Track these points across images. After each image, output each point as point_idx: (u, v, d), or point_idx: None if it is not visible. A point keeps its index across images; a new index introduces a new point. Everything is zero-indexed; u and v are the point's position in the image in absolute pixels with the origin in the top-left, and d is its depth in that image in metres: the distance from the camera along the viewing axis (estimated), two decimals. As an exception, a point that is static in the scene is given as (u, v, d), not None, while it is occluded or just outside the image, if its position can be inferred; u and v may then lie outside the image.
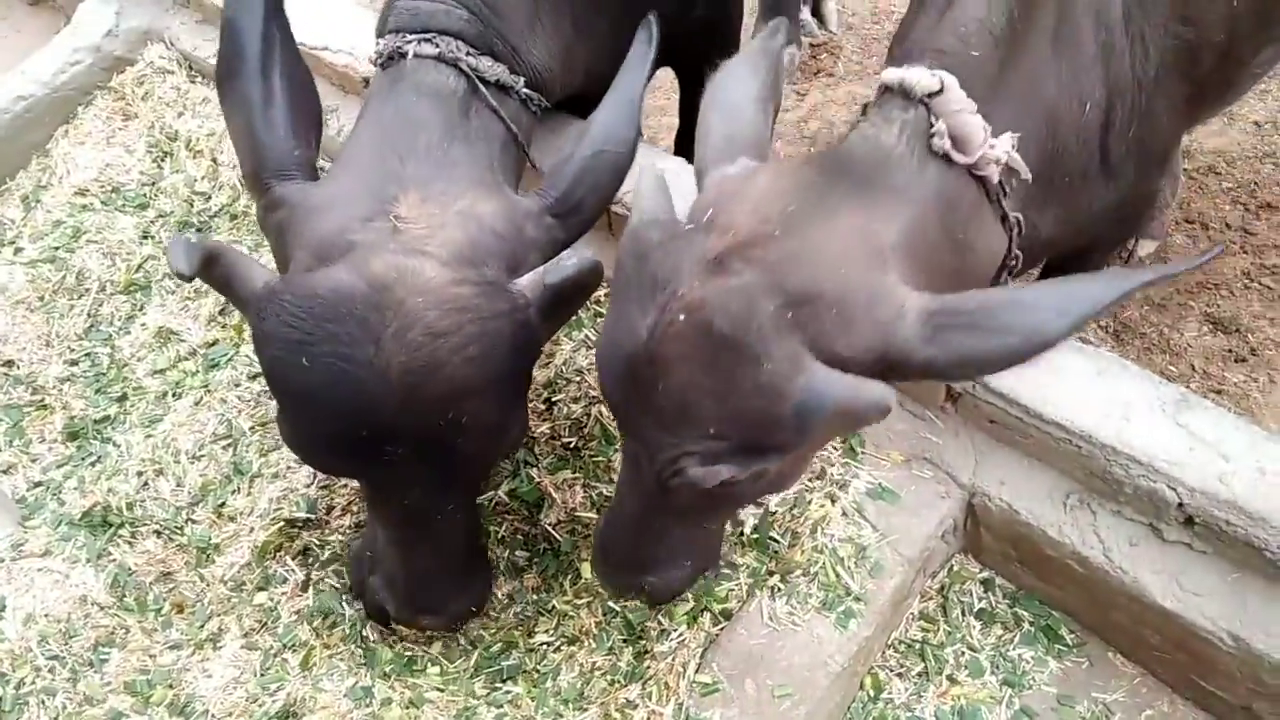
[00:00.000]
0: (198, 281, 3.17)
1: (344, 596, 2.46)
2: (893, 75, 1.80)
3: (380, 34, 2.32)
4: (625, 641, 2.29)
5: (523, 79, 2.33)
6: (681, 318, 1.54)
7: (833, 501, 2.34)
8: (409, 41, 2.20)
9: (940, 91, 1.73)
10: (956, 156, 1.75)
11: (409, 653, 2.38)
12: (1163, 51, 2.02)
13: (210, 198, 3.47)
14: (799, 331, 1.52)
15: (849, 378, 1.52)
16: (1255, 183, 3.99)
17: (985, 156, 1.76)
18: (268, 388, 2.84)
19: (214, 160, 3.56)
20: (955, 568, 2.45)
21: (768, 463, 1.65)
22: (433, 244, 1.91)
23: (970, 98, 1.78)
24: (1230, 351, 3.49)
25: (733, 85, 1.92)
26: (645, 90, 2.24)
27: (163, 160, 3.60)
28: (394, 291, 1.82)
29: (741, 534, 2.36)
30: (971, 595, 2.41)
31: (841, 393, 1.50)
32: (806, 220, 1.60)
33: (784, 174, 1.72)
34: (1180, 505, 2.05)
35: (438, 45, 2.18)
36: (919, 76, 1.75)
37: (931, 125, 1.74)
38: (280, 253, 2.04)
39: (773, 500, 2.41)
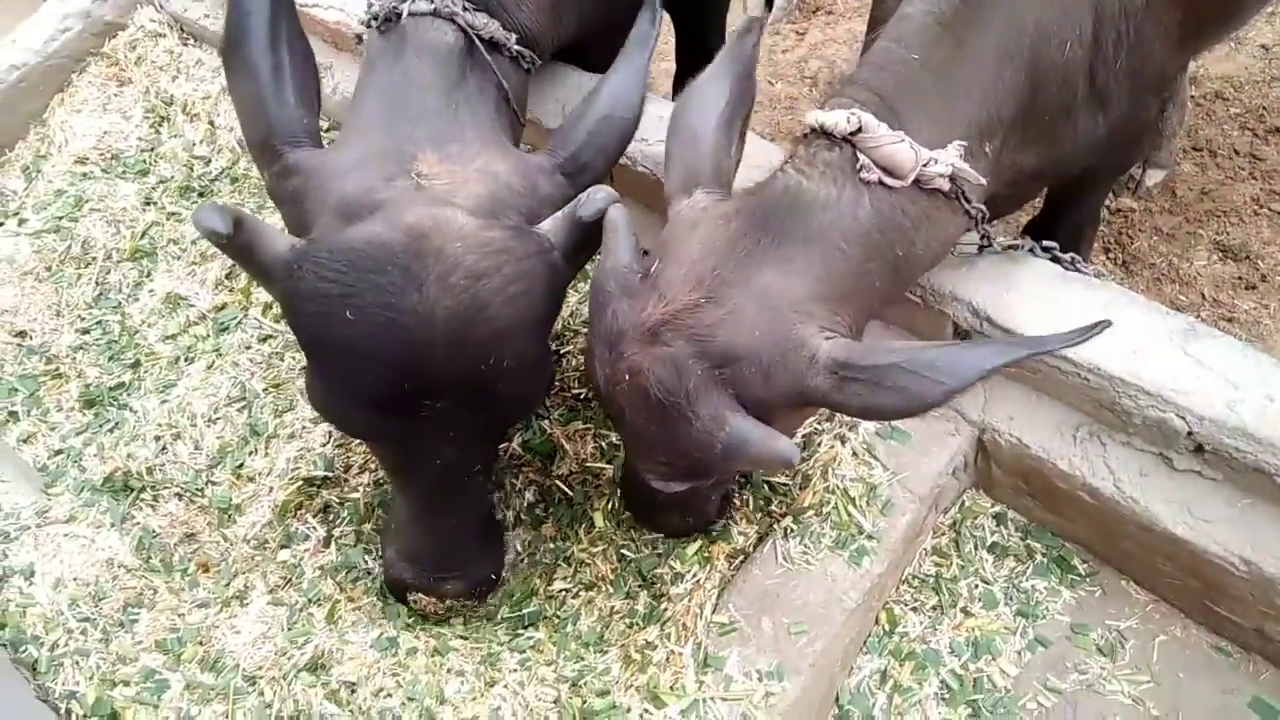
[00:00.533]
0: (203, 245, 3.20)
1: (366, 552, 2.50)
2: (814, 118, 1.89)
3: None
4: (642, 586, 2.33)
5: (514, 35, 2.32)
6: (627, 378, 1.77)
7: (842, 442, 2.35)
8: (403, 0, 2.18)
9: (860, 130, 1.81)
10: (891, 182, 1.83)
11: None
12: None
13: (210, 161, 3.46)
14: (726, 386, 1.73)
15: (764, 431, 1.72)
16: (1263, 108, 3.94)
17: (925, 174, 1.83)
18: (283, 350, 2.89)
19: (211, 124, 3.54)
20: (967, 503, 2.48)
21: (709, 477, 1.92)
22: (459, 197, 1.95)
23: (912, 106, 1.86)
24: (1240, 279, 3.48)
25: (695, 110, 2.02)
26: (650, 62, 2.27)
27: (160, 125, 3.58)
28: (431, 239, 1.85)
29: (749, 477, 2.39)
30: (984, 529, 2.44)
31: (757, 445, 1.72)
32: (731, 285, 1.76)
33: (719, 226, 1.84)
34: (1189, 434, 2.06)
35: (432, 1, 2.18)
36: (836, 120, 1.83)
37: (858, 160, 1.83)
38: (297, 219, 2.04)
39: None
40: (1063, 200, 2.87)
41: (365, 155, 2.03)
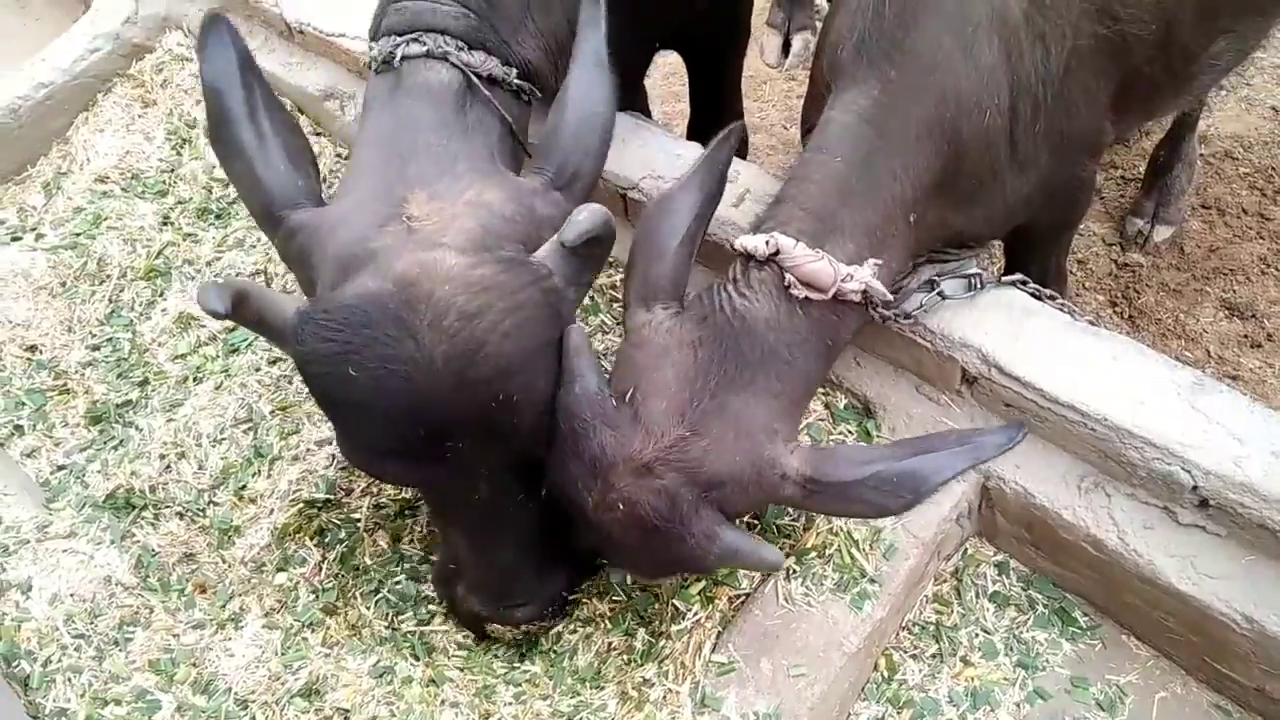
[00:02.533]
0: (218, 267, 3.23)
1: (360, 574, 2.50)
2: (740, 243, 2.04)
3: (374, 37, 2.33)
4: (640, 623, 2.31)
5: (515, 70, 2.31)
6: (620, 508, 1.88)
7: (847, 485, 2.34)
8: (398, 44, 2.20)
9: (778, 251, 1.96)
10: (815, 296, 1.98)
11: (429, 632, 2.41)
12: (1069, 49, 2.13)
13: (229, 185, 3.49)
14: (711, 505, 1.90)
15: (752, 542, 1.95)
16: (1273, 168, 3.97)
17: (841, 290, 1.96)
18: (291, 374, 2.90)
19: (232, 147, 3.59)
20: (969, 551, 2.47)
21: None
22: (448, 236, 1.95)
23: (838, 208, 2.01)
24: (1246, 337, 3.49)
25: (663, 222, 2.11)
26: (609, 51, 2.22)
27: (182, 147, 3.63)
28: (421, 285, 1.85)
29: (757, 517, 2.38)
30: (985, 578, 2.43)
31: (746, 555, 1.94)
32: (710, 415, 1.91)
33: (688, 354, 1.96)
34: (1195, 488, 2.06)
35: (425, 43, 2.18)
36: (756, 245, 1.99)
37: (785, 278, 1.97)
38: (305, 277, 2.05)
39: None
40: (1018, 256, 2.93)
41: (359, 203, 2.03)
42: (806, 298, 1.97)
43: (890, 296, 2.07)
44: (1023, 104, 2.12)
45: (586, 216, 1.96)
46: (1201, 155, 3.97)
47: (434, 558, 2.49)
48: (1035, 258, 2.86)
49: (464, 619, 2.38)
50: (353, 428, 1.97)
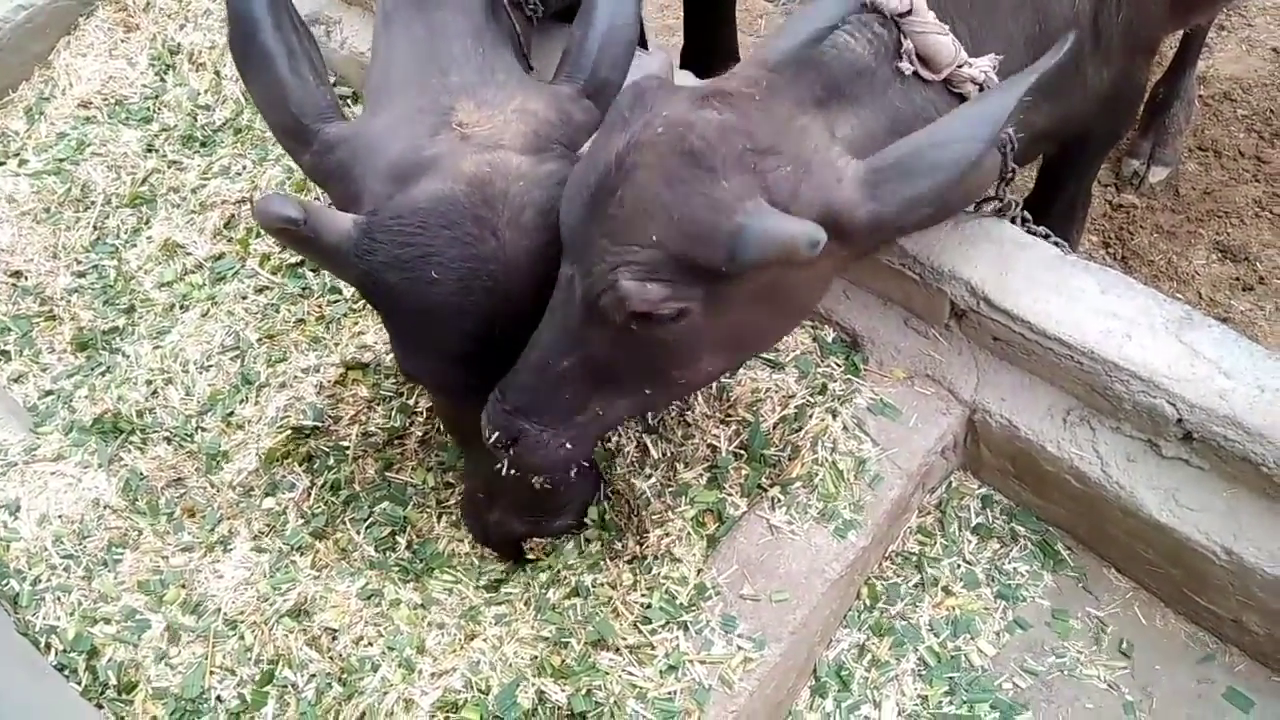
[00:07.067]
0: (203, 194, 3.20)
1: (347, 503, 2.51)
2: None
3: None
4: (625, 549, 2.33)
5: None
6: (660, 130, 1.69)
7: (833, 416, 2.35)
8: None
9: (910, 12, 1.84)
10: (925, 74, 1.86)
11: (418, 559, 2.43)
12: None
13: (214, 111, 3.44)
14: (757, 176, 1.68)
15: (788, 216, 1.65)
16: (1271, 110, 3.94)
17: (957, 75, 1.86)
18: (279, 302, 2.89)
19: (217, 73, 3.52)
20: (954, 484, 2.48)
21: (692, 292, 1.72)
22: (505, 138, 1.96)
23: (949, 13, 1.87)
24: (1238, 280, 3.49)
25: None
26: None
27: (165, 73, 3.57)
28: (494, 184, 1.86)
29: (745, 447, 2.39)
30: (969, 511, 2.45)
31: (778, 223, 1.62)
32: (779, 95, 1.79)
33: (752, 67, 1.88)
34: (1179, 421, 2.07)
35: None
36: None
37: (901, 44, 1.85)
38: (346, 192, 2.00)
39: (771, 418, 2.43)
40: (1056, 175, 2.87)
41: (404, 114, 2.01)
42: (915, 74, 1.85)
43: None
44: None
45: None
46: (1200, 96, 3.93)
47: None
48: (1074, 174, 2.80)
49: (499, 544, 2.40)
50: (426, 333, 1.95)
